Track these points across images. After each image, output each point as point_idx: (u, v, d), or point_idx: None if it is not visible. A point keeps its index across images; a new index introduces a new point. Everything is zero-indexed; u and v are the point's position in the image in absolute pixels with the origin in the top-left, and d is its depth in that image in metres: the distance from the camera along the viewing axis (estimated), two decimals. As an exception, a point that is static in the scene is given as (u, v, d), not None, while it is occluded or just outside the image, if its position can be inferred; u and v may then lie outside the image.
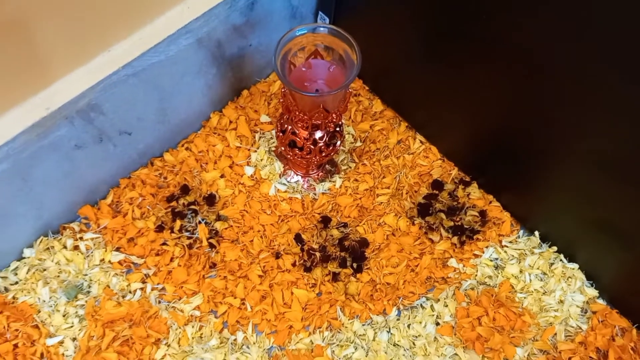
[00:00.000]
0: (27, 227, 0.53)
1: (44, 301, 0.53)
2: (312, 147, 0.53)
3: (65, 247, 0.55)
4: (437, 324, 0.55)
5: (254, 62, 0.61)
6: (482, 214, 0.59)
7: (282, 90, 0.50)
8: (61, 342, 0.51)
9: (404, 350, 0.53)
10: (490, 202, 0.60)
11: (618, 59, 0.41)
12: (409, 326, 0.54)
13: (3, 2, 0.37)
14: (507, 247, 0.58)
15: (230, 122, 0.62)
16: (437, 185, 0.61)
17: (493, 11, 0.47)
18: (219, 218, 0.57)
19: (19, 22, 0.39)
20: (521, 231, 0.60)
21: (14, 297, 0.53)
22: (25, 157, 0.45)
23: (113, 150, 0.53)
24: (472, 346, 0.54)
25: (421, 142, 0.63)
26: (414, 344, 0.54)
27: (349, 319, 0.54)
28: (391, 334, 0.54)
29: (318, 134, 0.53)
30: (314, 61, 0.50)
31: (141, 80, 0.49)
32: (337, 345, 0.53)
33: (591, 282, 0.58)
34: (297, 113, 0.50)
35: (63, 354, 0.51)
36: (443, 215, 0.59)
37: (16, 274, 0.54)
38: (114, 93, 0.48)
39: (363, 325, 0.54)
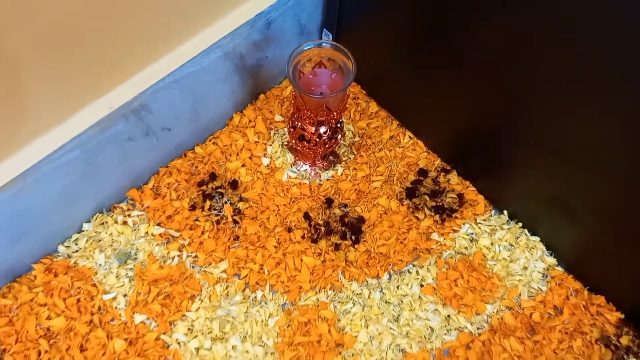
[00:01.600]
0: (87, 205, 0.65)
1: (100, 265, 0.65)
2: (317, 140, 0.65)
3: (116, 222, 0.67)
4: (421, 285, 0.66)
5: (269, 71, 0.73)
6: (460, 196, 0.71)
7: (293, 93, 0.62)
8: (114, 298, 0.63)
9: (394, 306, 0.65)
10: (467, 187, 0.72)
11: (564, 71, 0.52)
12: (397, 287, 0.66)
13: (81, 20, 0.49)
14: (480, 223, 0.70)
15: (250, 121, 0.74)
16: (423, 173, 0.72)
17: (469, 31, 0.58)
18: (241, 199, 0.69)
19: (93, 40, 0.51)
20: (493, 211, 0.71)
21: (75, 262, 0.65)
22: (91, 146, 0.57)
23: (156, 143, 0.65)
24: (450, 303, 0.65)
25: (410, 137, 0.75)
26: (401, 301, 0.65)
27: (348, 281, 0.66)
28: (383, 293, 0.65)
29: (322, 129, 0.64)
30: (318, 70, 0.61)
31: (180, 86, 0.61)
32: (339, 302, 0.65)
33: (550, 252, 0.68)
34: (305, 112, 0.62)
35: (116, 307, 0.63)
36: (427, 198, 0.70)
37: (77, 244, 0.66)
38: (159, 96, 0.60)
39: (360, 286, 0.66)
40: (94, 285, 0.63)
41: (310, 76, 0.61)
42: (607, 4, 0.42)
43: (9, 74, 0.46)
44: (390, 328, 0.63)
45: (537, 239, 0.69)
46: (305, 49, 0.59)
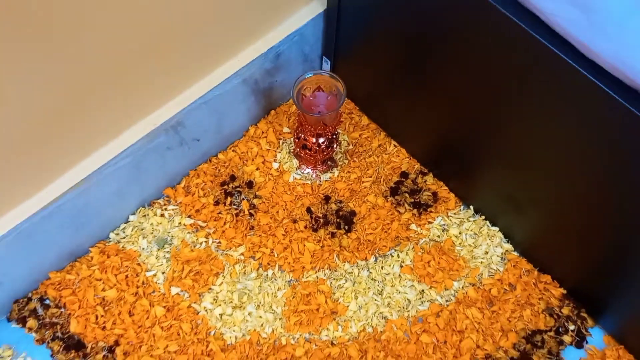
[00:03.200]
0: (133, 201, 0.81)
1: (143, 249, 0.81)
2: (317, 148, 0.80)
3: (155, 214, 0.83)
4: (401, 266, 0.81)
5: (279, 92, 0.89)
6: (435, 194, 0.86)
7: (297, 112, 0.78)
8: (155, 274, 0.79)
9: (378, 282, 0.80)
10: (441, 187, 0.86)
11: (515, 98, 0.65)
12: (382, 267, 0.81)
13: (135, 59, 0.65)
14: (451, 216, 0.85)
15: (263, 132, 0.90)
16: (404, 175, 0.87)
17: (440, 64, 0.71)
18: (255, 196, 0.85)
19: (143, 73, 0.67)
20: (462, 206, 0.86)
21: (123, 246, 0.81)
22: (140, 154, 0.73)
23: (188, 151, 0.81)
24: (424, 280, 0.80)
25: (394, 145, 0.90)
26: (385, 278, 0.80)
27: (342, 262, 0.81)
28: (370, 272, 0.81)
29: (321, 140, 0.80)
30: (317, 93, 0.77)
31: (208, 106, 0.77)
32: (334, 278, 0.80)
33: (507, 239, 0.83)
34: (307, 126, 0.78)
35: (156, 282, 0.79)
36: (407, 195, 0.86)
37: (124, 232, 0.82)
38: (192, 114, 0.76)
39: (351, 266, 0.81)
40: (139, 264, 0.79)
41: (311, 98, 0.77)
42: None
43: (83, 101, 0.62)
44: (375, 300, 0.78)
45: (497, 229, 0.84)
46: (307, 77, 0.75)
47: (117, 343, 0.74)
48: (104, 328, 0.75)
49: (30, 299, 0.76)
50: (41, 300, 0.76)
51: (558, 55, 0.54)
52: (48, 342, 0.74)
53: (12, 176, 0.63)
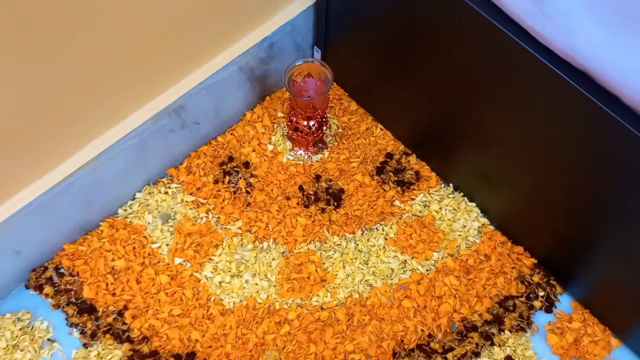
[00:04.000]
0: (139, 179, 0.88)
1: (149, 223, 0.88)
2: (307, 130, 0.87)
3: (160, 192, 0.90)
4: (385, 238, 0.88)
5: (273, 79, 0.95)
6: (417, 173, 0.93)
7: (290, 97, 0.85)
8: (160, 246, 0.86)
9: (364, 253, 0.87)
10: (423, 166, 0.93)
11: (491, 88, 0.71)
12: (368, 240, 0.88)
13: (143, 50, 0.72)
14: (432, 194, 0.92)
15: (258, 117, 0.97)
16: (389, 155, 0.94)
17: (421, 52, 0.78)
18: (252, 176, 0.92)
19: (149, 61, 0.74)
20: (442, 184, 0.93)
21: (130, 221, 0.88)
22: (145, 135, 0.80)
23: (189, 133, 0.88)
24: (406, 251, 0.87)
25: (381, 129, 0.97)
26: (370, 250, 0.87)
27: (331, 235, 0.88)
28: (357, 244, 0.88)
29: (311, 123, 0.87)
30: (307, 79, 0.84)
31: (207, 92, 0.84)
32: (324, 250, 0.87)
33: (483, 214, 0.90)
34: (298, 110, 0.85)
35: (161, 253, 0.86)
36: (392, 174, 0.92)
37: (131, 207, 0.89)
38: (193, 99, 0.82)
39: (340, 239, 0.88)
40: (145, 237, 0.86)
41: (302, 84, 0.83)
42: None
43: (95, 85, 0.69)
44: (361, 269, 0.85)
45: (474, 204, 0.91)
46: (297, 64, 0.81)
47: (125, 307, 0.82)
48: (113, 294, 0.82)
49: (46, 268, 0.84)
50: (56, 269, 0.84)
51: (517, 42, 0.61)
52: (63, 307, 0.82)
53: (30, 154, 0.70)
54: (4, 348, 0.78)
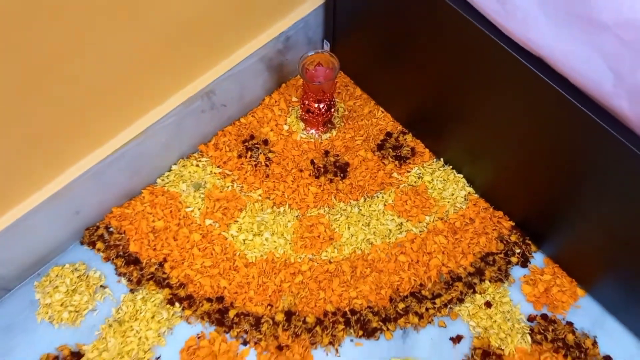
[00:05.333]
0: (174, 154, 1.03)
1: (183, 191, 1.03)
2: (318, 112, 1.02)
3: (192, 165, 1.05)
4: (385, 204, 1.03)
5: (288, 68, 1.10)
6: (413, 149, 1.07)
7: (302, 83, 1.00)
8: (192, 210, 1.02)
9: (366, 217, 1.02)
10: (418, 143, 1.07)
11: (479, 75, 0.87)
12: (369, 205, 1.03)
13: (180, 40, 0.87)
14: (425, 167, 1.06)
15: (276, 101, 1.12)
16: (388, 134, 1.09)
17: (419, 43, 0.89)
18: (270, 151, 1.07)
19: (185, 52, 0.89)
20: (434, 159, 1.07)
21: (167, 189, 1.03)
22: (182, 115, 0.95)
23: (217, 114, 1.03)
24: (402, 215, 1.02)
25: (382, 112, 1.11)
26: (371, 214, 1.02)
27: (338, 202, 1.03)
28: (360, 209, 1.02)
29: (321, 105, 1.02)
30: (318, 67, 0.98)
31: (233, 78, 0.99)
32: (331, 214, 1.02)
33: (470, 184, 1.04)
34: (310, 94, 0.99)
35: (193, 215, 1.01)
36: (391, 150, 1.07)
37: (168, 178, 1.04)
38: (221, 85, 0.97)
39: (345, 205, 1.03)
40: (180, 202, 1.02)
41: (313, 71, 0.98)
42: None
43: (145, 70, 0.84)
44: (364, 229, 1.00)
45: (461, 176, 1.05)
46: (309, 55, 0.96)
47: (165, 260, 0.97)
48: (154, 249, 0.98)
49: (98, 227, 0.99)
50: (106, 228, 0.99)
51: (488, 35, 0.74)
52: (112, 259, 0.97)
53: (90, 129, 0.85)
54: (65, 292, 0.94)
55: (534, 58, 0.73)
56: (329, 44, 1.10)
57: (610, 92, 0.67)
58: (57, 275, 0.95)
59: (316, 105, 1.00)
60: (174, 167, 1.04)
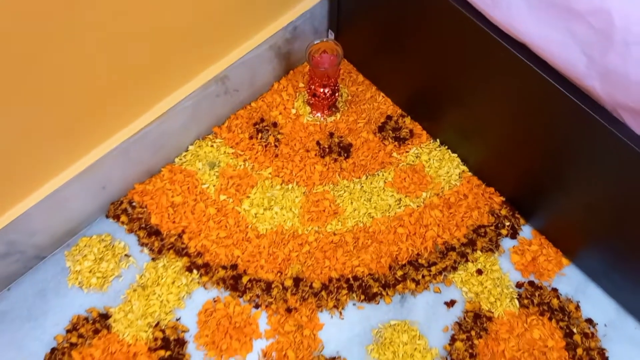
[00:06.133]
0: (191, 135, 1.12)
1: (199, 169, 1.12)
2: (323, 95, 1.11)
3: (207, 145, 1.14)
4: (385, 182, 1.11)
5: (295, 56, 1.19)
6: (411, 131, 1.16)
7: (309, 69, 1.08)
8: (208, 187, 1.11)
9: (368, 193, 1.10)
10: (416, 126, 1.16)
11: (472, 65, 0.95)
12: (371, 183, 1.11)
13: (196, 30, 0.96)
14: (422, 147, 1.14)
15: (284, 87, 1.20)
16: (389, 117, 1.17)
17: (417, 34, 1.01)
18: (279, 133, 1.16)
19: (201, 41, 0.98)
20: (431, 140, 1.16)
21: (185, 167, 1.12)
22: (198, 99, 1.04)
23: (230, 98, 1.12)
24: (401, 191, 1.10)
25: (383, 96, 1.20)
26: (372, 190, 1.10)
27: (342, 179, 1.12)
28: (362, 186, 1.11)
29: (326, 90, 1.10)
30: (323, 54, 1.07)
31: (245, 65, 1.07)
32: (336, 190, 1.10)
33: (464, 162, 1.12)
34: (315, 79, 1.08)
35: (209, 192, 1.10)
36: (391, 132, 1.15)
37: (185, 157, 1.13)
38: (234, 71, 1.06)
39: (348, 182, 1.11)
40: (196, 179, 1.11)
41: (318, 58, 1.06)
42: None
43: (168, 58, 0.93)
44: (365, 204, 1.09)
45: (456, 155, 1.13)
46: (315, 43, 1.04)
47: (183, 231, 1.06)
48: (174, 222, 1.07)
49: (122, 202, 1.08)
50: (129, 202, 1.08)
51: (478, 24, 0.82)
52: (135, 231, 1.06)
53: (118, 109, 0.94)
54: (93, 260, 1.03)
55: (518, 44, 0.81)
56: (333, 34, 1.19)
57: (584, 73, 0.76)
58: (85, 245, 1.04)
59: (321, 89, 1.09)
60: (190, 147, 1.13)
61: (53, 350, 0.96)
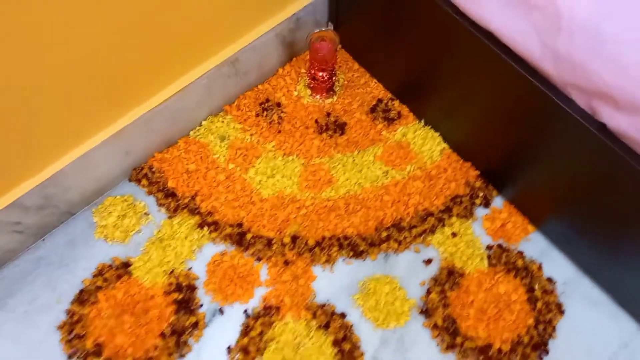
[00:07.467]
0: (204, 111, 1.26)
1: (211, 141, 1.26)
2: (322, 79, 1.25)
3: (219, 121, 1.28)
4: (374, 156, 1.26)
5: (298, 45, 1.33)
6: (399, 113, 1.30)
7: (309, 54, 1.23)
8: (218, 157, 1.25)
9: (359, 165, 1.24)
10: (404, 108, 1.30)
11: (460, 51, 1.10)
12: (362, 157, 1.25)
13: (212, 20, 1.10)
14: (409, 127, 1.29)
15: (287, 72, 1.35)
16: (380, 100, 1.32)
17: (409, 24, 1.17)
18: (282, 112, 1.30)
19: (214, 29, 1.12)
20: (417, 121, 1.30)
21: (198, 140, 1.27)
22: (212, 79, 1.19)
23: (239, 80, 1.26)
24: (388, 164, 1.25)
25: (375, 82, 1.34)
26: (363, 163, 1.25)
27: (336, 153, 1.26)
28: (354, 159, 1.25)
29: (325, 74, 1.25)
30: (322, 42, 1.21)
31: (254, 50, 1.22)
32: (331, 163, 1.25)
33: (445, 140, 1.27)
34: (315, 64, 1.23)
35: (219, 161, 1.25)
36: (381, 113, 1.30)
37: (199, 131, 1.28)
38: (244, 54, 1.20)
39: (342, 156, 1.26)
40: (208, 150, 1.25)
41: (318, 45, 1.22)
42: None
43: (188, 42, 1.08)
44: (356, 175, 1.23)
45: (438, 134, 1.27)
46: (315, 32, 1.20)
47: (196, 194, 1.21)
48: (188, 186, 1.21)
49: (143, 168, 1.23)
50: (149, 168, 1.23)
51: (454, 17, 0.97)
52: (154, 193, 1.21)
53: (141, 82, 1.08)
54: (117, 217, 1.18)
55: (486, 32, 0.95)
56: (332, 25, 1.34)
57: (539, 57, 0.90)
58: (110, 204, 1.19)
59: (320, 73, 1.24)
60: (203, 122, 1.28)
61: (81, 291, 1.10)
